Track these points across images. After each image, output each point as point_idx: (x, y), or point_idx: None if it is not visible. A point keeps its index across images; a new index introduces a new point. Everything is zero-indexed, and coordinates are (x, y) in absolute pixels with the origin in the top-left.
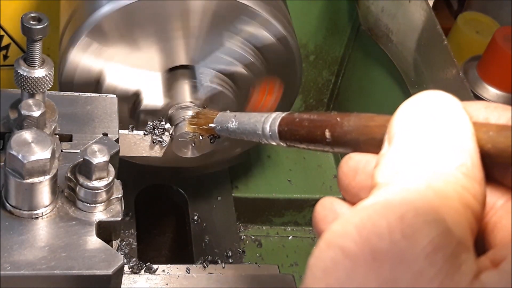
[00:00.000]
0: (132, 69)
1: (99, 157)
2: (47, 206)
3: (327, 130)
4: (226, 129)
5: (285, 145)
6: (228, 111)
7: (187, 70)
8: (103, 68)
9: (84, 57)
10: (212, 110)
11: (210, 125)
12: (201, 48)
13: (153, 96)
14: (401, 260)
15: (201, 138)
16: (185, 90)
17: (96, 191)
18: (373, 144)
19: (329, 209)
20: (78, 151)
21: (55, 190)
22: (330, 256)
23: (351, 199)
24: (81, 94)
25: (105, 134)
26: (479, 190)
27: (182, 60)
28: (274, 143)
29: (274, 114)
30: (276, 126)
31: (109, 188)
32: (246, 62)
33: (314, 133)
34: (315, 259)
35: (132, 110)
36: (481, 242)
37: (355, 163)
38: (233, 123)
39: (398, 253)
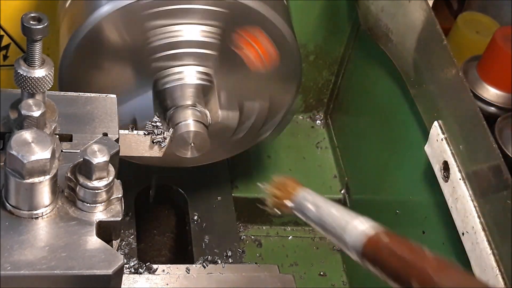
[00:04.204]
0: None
1: (99, 157)
2: (47, 206)
3: (414, 281)
4: (303, 214)
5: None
6: (309, 190)
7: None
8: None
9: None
10: (292, 181)
11: (288, 203)
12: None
13: (146, 115)
14: None
15: (277, 211)
16: (177, 93)
17: (96, 191)
18: None
19: None
20: (78, 151)
21: (55, 190)
22: None
23: None
24: (81, 94)
25: (105, 134)
26: None
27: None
28: (354, 258)
29: (357, 226)
30: (360, 247)
31: (109, 188)
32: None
33: (401, 277)
34: None
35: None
36: None
37: None
38: (312, 213)
39: None
